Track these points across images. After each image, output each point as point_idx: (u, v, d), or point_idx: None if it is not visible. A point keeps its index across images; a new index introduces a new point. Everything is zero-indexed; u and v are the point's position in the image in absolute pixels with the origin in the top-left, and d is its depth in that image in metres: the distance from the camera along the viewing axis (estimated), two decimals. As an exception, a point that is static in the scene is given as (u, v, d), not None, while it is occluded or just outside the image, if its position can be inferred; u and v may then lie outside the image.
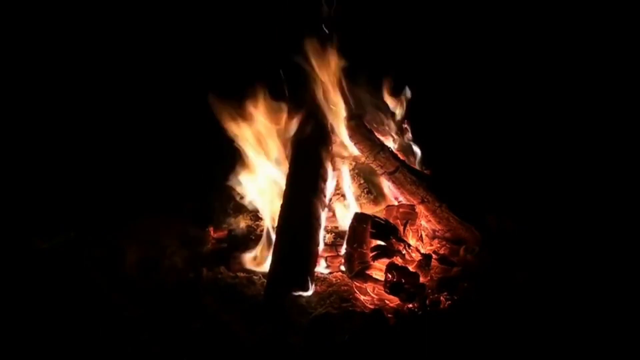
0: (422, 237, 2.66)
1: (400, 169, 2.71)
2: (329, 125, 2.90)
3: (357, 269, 2.36)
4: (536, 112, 3.85)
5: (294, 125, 2.88)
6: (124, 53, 4.09)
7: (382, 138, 2.95)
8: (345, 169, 2.88)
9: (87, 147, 3.74)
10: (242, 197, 2.95)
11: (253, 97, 2.84)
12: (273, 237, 2.56)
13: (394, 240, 2.41)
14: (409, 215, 2.63)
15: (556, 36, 4.09)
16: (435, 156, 3.15)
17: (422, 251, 2.54)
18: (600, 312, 2.03)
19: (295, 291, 2.26)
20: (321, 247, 2.51)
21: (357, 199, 2.80)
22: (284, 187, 2.66)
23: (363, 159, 2.84)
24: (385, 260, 2.34)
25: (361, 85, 3.05)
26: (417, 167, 2.96)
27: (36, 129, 3.75)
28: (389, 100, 3.16)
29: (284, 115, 2.90)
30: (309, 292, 2.29)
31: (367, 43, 3.67)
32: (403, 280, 2.20)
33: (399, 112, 3.16)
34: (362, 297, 2.29)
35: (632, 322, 1.97)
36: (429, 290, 2.26)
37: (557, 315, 2.03)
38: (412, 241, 2.55)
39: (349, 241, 2.43)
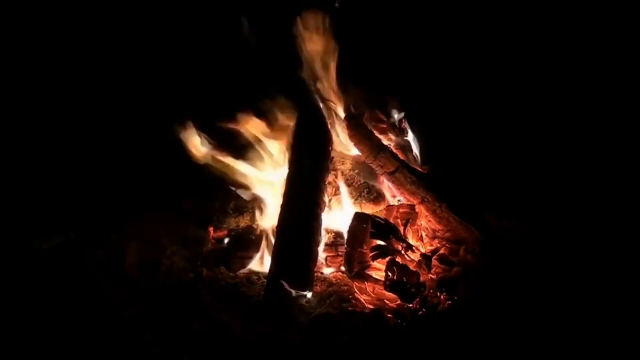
0: (422, 237, 2.66)
1: (400, 169, 2.71)
2: (328, 126, 2.90)
3: (357, 269, 2.36)
4: (536, 111, 3.85)
5: (293, 125, 2.89)
6: (123, 52, 4.08)
7: (381, 137, 2.95)
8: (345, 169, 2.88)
9: (86, 147, 3.74)
10: (243, 197, 2.95)
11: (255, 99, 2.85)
12: (273, 237, 2.56)
13: (394, 239, 2.41)
14: (409, 215, 2.63)
15: (556, 36, 4.09)
16: (435, 155, 3.15)
17: (422, 251, 2.54)
18: (601, 311, 2.03)
19: (296, 291, 2.26)
20: (321, 247, 2.51)
21: (357, 199, 2.80)
22: (283, 187, 2.67)
23: (363, 159, 2.84)
24: (385, 261, 2.34)
25: (360, 84, 3.05)
26: (416, 165, 2.96)
27: (36, 129, 3.75)
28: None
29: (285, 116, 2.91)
30: (309, 292, 2.29)
31: (367, 42, 3.67)
32: (404, 279, 2.20)
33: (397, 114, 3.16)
34: (362, 297, 2.29)
35: (632, 321, 1.97)
36: (430, 290, 2.26)
37: (557, 315, 2.03)
38: (412, 241, 2.55)
39: (349, 241, 2.43)
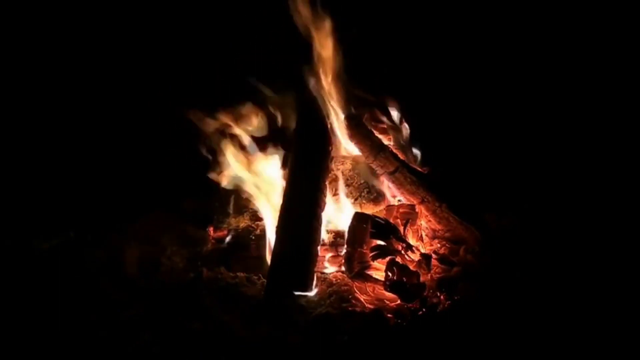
0: (422, 237, 2.66)
1: (400, 169, 2.71)
2: (329, 125, 2.90)
3: (357, 269, 2.36)
4: (536, 111, 3.85)
5: (294, 125, 2.89)
6: (123, 53, 4.08)
7: (381, 137, 2.95)
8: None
9: (86, 148, 3.74)
10: (242, 197, 2.95)
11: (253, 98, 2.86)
12: (273, 237, 2.56)
13: (394, 239, 2.41)
14: (409, 215, 2.63)
15: (556, 36, 4.09)
16: (435, 156, 3.15)
17: (422, 251, 2.54)
18: (601, 311, 2.03)
19: (296, 291, 2.26)
20: (321, 247, 2.51)
21: (357, 199, 2.80)
22: (284, 187, 2.67)
23: (363, 159, 2.84)
24: (385, 261, 2.34)
25: (360, 84, 3.05)
26: (416, 165, 2.96)
27: (36, 129, 3.75)
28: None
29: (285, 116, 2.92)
30: (309, 292, 2.29)
31: (367, 41, 3.67)
32: (404, 279, 2.20)
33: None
34: (362, 297, 2.29)
35: (632, 321, 1.97)
36: (430, 290, 2.26)
37: (557, 314, 2.03)
38: (412, 241, 2.55)
39: (349, 241, 2.43)
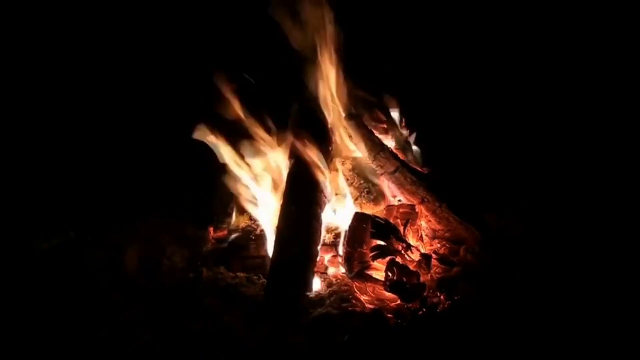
0: (422, 237, 2.66)
1: (400, 169, 2.71)
2: (329, 125, 2.90)
3: (357, 269, 2.36)
4: (535, 111, 3.85)
5: (294, 126, 2.89)
6: (123, 54, 4.08)
7: (381, 137, 2.95)
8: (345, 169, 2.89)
9: (87, 148, 3.74)
10: (242, 197, 2.95)
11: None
12: (273, 236, 2.56)
13: (394, 239, 2.41)
14: (409, 215, 2.63)
15: (556, 36, 4.09)
16: (435, 156, 3.15)
17: (422, 251, 2.54)
18: (601, 310, 2.03)
19: (295, 291, 2.26)
20: (321, 247, 2.51)
21: (357, 199, 2.80)
22: (284, 187, 2.67)
23: (363, 159, 2.84)
24: (385, 261, 2.34)
25: (361, 84, 3.06)
26: (416, 165, 2.96)
27: (36, 129, 3.75)
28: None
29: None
30: (309, 292, 2.29)
31: (367, 41, 3.67)
32: (404, 279, 2.20)
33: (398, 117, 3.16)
34: (362, 297, 2.29)
35: (632, 321, 1.97)
36: (430, 290, 2.26)
37: (557, 314, 2.03)
38: (412, 241, 2.55)
39: (349, 241, 2.43)
